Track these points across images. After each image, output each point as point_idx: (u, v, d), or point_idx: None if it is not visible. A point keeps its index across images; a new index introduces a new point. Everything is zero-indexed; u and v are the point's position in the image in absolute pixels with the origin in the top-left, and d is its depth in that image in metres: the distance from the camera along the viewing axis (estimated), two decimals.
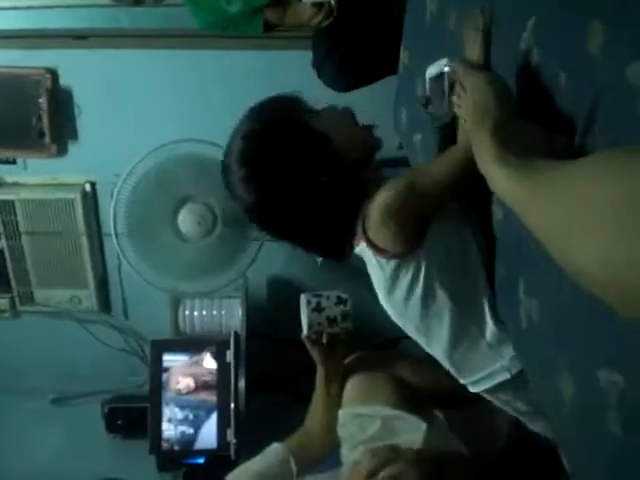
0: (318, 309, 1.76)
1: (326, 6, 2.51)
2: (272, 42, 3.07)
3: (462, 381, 1.67)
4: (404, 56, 2.08)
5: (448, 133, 1.50)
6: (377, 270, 1.57)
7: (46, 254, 3.41)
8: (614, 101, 1.02)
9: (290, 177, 1.52)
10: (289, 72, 3.11)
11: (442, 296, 1.54)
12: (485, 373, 1.58)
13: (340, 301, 1.77)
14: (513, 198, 1.00)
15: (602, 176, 0.81)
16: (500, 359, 1.54)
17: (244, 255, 3.21)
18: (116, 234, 3.10)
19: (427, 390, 1.94)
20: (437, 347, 1.62)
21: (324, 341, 1.81)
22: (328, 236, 1.60)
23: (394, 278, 1.55)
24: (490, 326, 1.53)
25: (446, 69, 1.34)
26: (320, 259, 3.30)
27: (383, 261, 1.53)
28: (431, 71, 1.43)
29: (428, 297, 1.55)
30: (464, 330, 1.56)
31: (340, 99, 2.87)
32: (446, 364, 1.66)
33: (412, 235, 1.50)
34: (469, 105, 1.22)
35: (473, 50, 1.44)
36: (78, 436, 3.52)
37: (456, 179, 1.44)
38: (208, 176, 2.97)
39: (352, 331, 1.81)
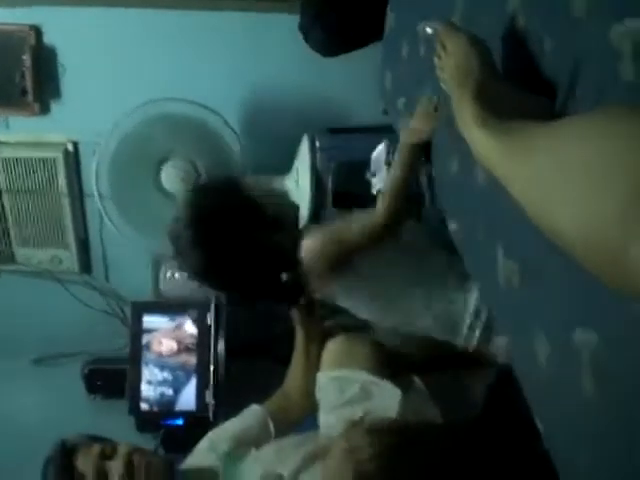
0: None
1: None
2: (259, 4, 3.04)
3: (458, 341, 1.85)
4: (390, 18, 2.07)
5: None
6: (342, 293, 1.92)
7: (27, 213, 3.38)
8: (597, 64, 1.02)
9: (229, 238, 1.77)
10: (276, 35, 3.09)
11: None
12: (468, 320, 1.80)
13: None
14: (493, 160, 1.00)
15: (580, 138, 0.81)
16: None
17: None
18: (99, 194, 3.08)
19: (407, 355, 1.96)
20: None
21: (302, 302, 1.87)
22: (269, 282, 1.87)
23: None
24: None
25: (429, 30, 1.35)
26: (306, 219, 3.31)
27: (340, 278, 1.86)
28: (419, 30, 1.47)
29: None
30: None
31: (326, 63, 2.92)
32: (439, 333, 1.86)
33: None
34: (451, 66, 1.22)
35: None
36: (58, 396, 3.51)
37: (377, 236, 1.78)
38: (189, 133, 2.97)
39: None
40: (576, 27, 1.07)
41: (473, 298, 1.79)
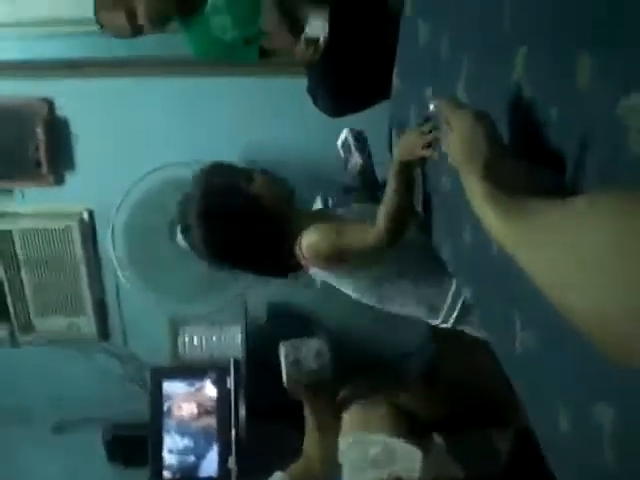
0: (296, 364, 1.96)
1: (319, 43, 2.50)
2: (267, 69, 3.07)
3: (436, 321, 1.98)
4: (397, 82, 2.09)
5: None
6: (333, 279, 2.03)
7: (45, 283, 3.41)
8: (605, 138, 1.01)
9: (235, 230, 1.91)
10: (285, 98, 3.12)
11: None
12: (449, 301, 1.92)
13: (319, 355, 1.97)
14: (506, 240, 0.99)
15: (591, 223, 0.80)
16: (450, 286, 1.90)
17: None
18: (115, 260, 3.11)
19: (424, 415, 1.94)
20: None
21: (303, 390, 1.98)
22: (270, 263, 2.00)
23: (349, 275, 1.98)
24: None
25: (432, 107, 1.36)
26: (320, 281, 3.33)
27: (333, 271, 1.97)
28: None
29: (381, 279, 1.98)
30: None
31: (336, 122, 2.94)
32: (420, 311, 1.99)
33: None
34: (457, 142, 1.22)
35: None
36: (79, 464, 3.51)
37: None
38: None
39: (330, 378, 1.99)
40: (582, 99, 1.07)
41: (453, 281, 1.88)
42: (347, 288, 2.06)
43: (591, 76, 1.05)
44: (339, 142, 2.42)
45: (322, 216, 2.12)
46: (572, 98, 1.10)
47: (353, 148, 2.36)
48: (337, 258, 1.89)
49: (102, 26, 2.65)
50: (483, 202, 1.05)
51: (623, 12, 0.97)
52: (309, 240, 1.88)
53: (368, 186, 2.47)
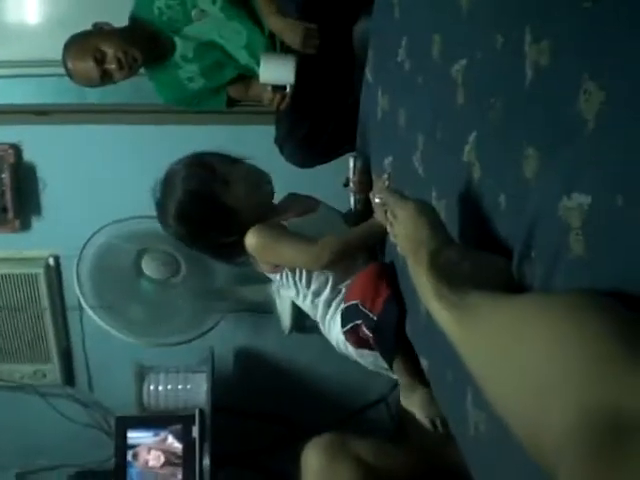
0: None
1: (286, 92, 2.52)
2: (235, 117, 3.09)
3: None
4: (359, 143, 2.10)
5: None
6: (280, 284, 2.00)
7: (9, 329, 3.37)
8: (548, 231, 1.02)
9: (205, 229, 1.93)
10: (252, 146, 3.11)
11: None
12: None
13: None
14: (451, 335, 1.00)
15: (528, 330, 0.81)
16: None
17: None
18: (80, 308, 3.08)
19: (389, 472, 1.93)
20: None
21: None
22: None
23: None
24: None
25: (377, 200, 1.37)
26: (288, 328, 3.32)
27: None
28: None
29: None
30: None
31: (301, 173, 2.94)
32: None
33: None
34: (402, 236, 1.22)
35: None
36: None
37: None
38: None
39: None
40: (528, 190, 1.08)
41: None
42: (294, 298, 2.04)
43: (538, 168, 1.06)
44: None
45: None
46: (519, 187, 1.10)
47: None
48: (275, 262, 1.92)
49: (71, 74, 2.65)
50: (429, 295, 1.05)
51: (559, 113, 0.98)
52: (247, 241, 1.88)
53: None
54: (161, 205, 1.96)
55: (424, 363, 1.59)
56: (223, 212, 1.89)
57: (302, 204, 2.03)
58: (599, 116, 0.89)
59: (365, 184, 1.96)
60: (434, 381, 1.54)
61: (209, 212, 1.90)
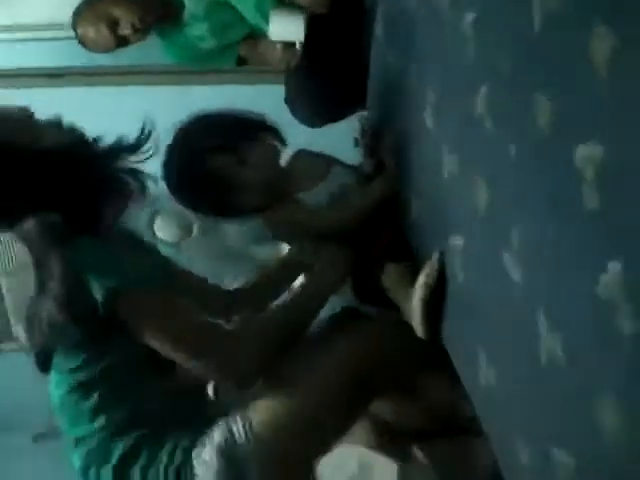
0: None
1: (295, 48, 2.50)
2: (245, 76, 3.07)
3: None
4: (370, 101, 2.09)
5: None
6: None
7: (23, 290, 3.38)
8: (563, 182, 1.00)
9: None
10: (262, 106, 3.10)
11: None
12: None
13: None
14: None
15: None
16: None
17: None
18: None
19: (406, 426, 1.93)
20: None
21: None
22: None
23: None
24: None
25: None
26: None
27: None
28: None
29: None
30: None
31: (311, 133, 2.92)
32: None
33: None
34: None
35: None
36: (62, 472, 3.49)
37: None
38: None
39: None
40: (542, 140, 1.06)
41: None
42: None
43: (551, 119, 1.04)
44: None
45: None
46: (532, 138, 1.09)
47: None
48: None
49: (83, 41, 2.63)
50: None
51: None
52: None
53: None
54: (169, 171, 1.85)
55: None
56: (232, 189, 1.78)
57: (313, 167, 1.93)
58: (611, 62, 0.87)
59: (373, 147, 1.93)
60: (449, 341, 1.55)
61: (217, 189, 1.79)
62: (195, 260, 3.19)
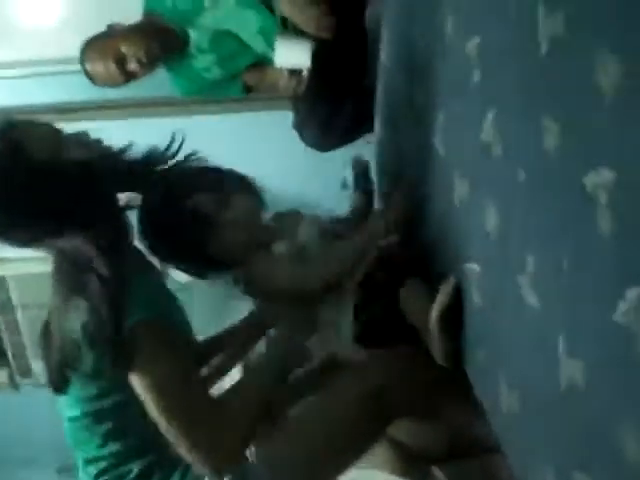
0: None
1: (301, 75, 2.51)
2: (253, 104, 3.08)
3: None
4: (378, 128, 2.09)
5: None
6: None
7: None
8: (573, 206, 0.99)
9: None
10: (271, 132, 3.12)
11: None
12: None
13: None
14: None
15: None
16: None
17: None
18: None
19: (424, 449, 1.92)
20: None
21: None
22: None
23: None
24: None
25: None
26: None
27: None
28: None
29: None
30: None
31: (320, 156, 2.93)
32: None
33: None
34: None
35: None
36: None
37: None
38: None
39: None
40: (550, 165, 1.05)
41: None
42: None
43: (560, 145, 1.03)
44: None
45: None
46: (540, 164, 1.08)
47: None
48: None
49: (92, 78, 2.65)
50: None
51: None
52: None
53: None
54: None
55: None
56: (211, 235, 1.72)
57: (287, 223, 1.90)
58: (618, 86, 0.87)
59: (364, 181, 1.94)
60: (470, 368, 1.53)
61: (196, 232, 1.71)
62: (205, 301, 3.18)
